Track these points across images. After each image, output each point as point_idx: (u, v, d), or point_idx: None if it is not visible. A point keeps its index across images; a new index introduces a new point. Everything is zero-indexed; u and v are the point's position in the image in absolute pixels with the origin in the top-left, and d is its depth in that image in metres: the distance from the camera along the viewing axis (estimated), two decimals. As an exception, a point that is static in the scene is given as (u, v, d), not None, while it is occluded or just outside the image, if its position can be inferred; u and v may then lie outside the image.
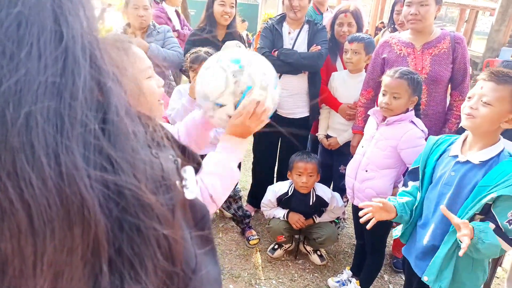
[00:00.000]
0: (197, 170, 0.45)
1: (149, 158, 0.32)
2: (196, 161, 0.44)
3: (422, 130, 1.93)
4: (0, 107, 0.25)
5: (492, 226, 1.36)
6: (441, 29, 2.29)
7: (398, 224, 1.85)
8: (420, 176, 1.67)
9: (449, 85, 2.26)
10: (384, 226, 2.15)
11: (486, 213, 1.40)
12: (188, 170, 0.39)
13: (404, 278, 2.48)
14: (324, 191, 2.52)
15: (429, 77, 2.14)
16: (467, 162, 1.48)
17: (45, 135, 0.26)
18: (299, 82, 2.66)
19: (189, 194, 0.37)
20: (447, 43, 2.17)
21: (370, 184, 2.02)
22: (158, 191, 0.32)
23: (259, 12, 11.77)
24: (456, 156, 1.53)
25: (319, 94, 2.70)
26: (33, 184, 0.25)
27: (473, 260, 1.47)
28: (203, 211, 0.41)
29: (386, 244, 2.31)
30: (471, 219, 1.42)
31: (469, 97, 1.47)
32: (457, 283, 1.50)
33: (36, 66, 0.27)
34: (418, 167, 1.69)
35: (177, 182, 0.35)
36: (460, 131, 1.89)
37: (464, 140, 1.54)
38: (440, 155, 1.60)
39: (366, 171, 2.03)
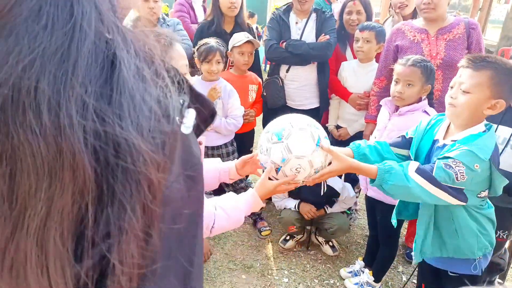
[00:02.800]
0: (207, 120, 0.49)
1: (151, 103, 0.35)
2: (209, 109, 0.48)
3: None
4: (18, 73, 0.30)
5: (413, 166, 1.35)
6: (455, 15, 2.25)
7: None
8: (413, 157, 1.63)
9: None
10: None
11: None
12: (191, 112, 0.42)
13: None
14: (335, 181, 2.51)
15: (444, 62, 2.11)
16: (444, 145, 1.46)
17: (48, 95, 0.31)
18: (308, 73, 2.65)
19: (185, 129, 0.40)
20: (461, 28, 2.14)
21: None
22: (154, 134, 0.35)
23: (268, 3, 11.69)
24: (438, 140, 1.51)
25: (328, 85, 2.68)
26: (36, 132, 0.30)
27: (456, 226, 1.46)
28: (198, 155, 0.44)
29: (400, 235, 2.29)
30: None
31: (451, 86, 1.44)
32: (446, 250, 1.50)
33: (49, 38, 0.32)
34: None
35: (177, 118, 0.39)
36: None
37: (449, 126, 1.51)
38: (433, 140, 1.58)
39: None
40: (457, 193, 1.33)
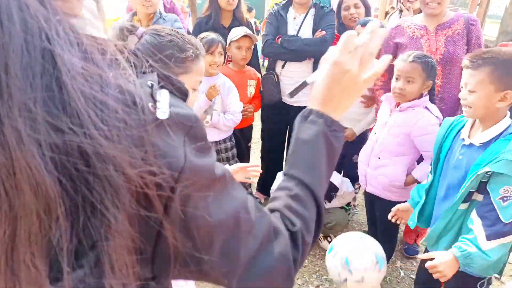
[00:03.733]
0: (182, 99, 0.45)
1: (111, 100, 0.33)
2: (181, 90, 0.44)
3: (436, 117, 1.90)
4: None
5: (481, 235, 1.31)
6: (454, 11, 2.24)
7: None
8: (433, 159, 1.64)
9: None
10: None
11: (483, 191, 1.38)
12: (163, 93, 0.39)
13: (415, 264, 2.48)
14: (334, 176, 2.50)
15: (444, 57, 2.10)
16: (471, 145, 1.46)
17: None
18: (304, 70, 2.63)
19: (161, 114, 0.37)
20: (461, 24, 2.13)
21: (383, 171, 2.00)
22: (124, 132, 0.33)
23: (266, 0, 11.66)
24: (463, 139, 1.50)
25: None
26: None
27: None
28: (190, 120, 0.41)
29: (398, 231, 2.30)
30: (468, 197, 1.41)
31: (461, 87, 1.45)
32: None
33: None
34: None
35: (150, 104, 0.36)
36: None
37: (474, 123, 1.51)
38: (454, 138, 1.57)
39: (379, 158, 2.01)
40: None
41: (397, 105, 1.97)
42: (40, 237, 0.30)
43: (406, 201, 2.05)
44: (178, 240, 0.39)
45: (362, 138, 2.50)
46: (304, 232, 0.51)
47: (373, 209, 2.21)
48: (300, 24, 2.59)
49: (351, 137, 2.58)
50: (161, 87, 0.41)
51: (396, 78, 1.89)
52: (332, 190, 2.52)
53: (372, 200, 2.19)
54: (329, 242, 2.57)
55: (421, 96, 1.92)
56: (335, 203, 2.56)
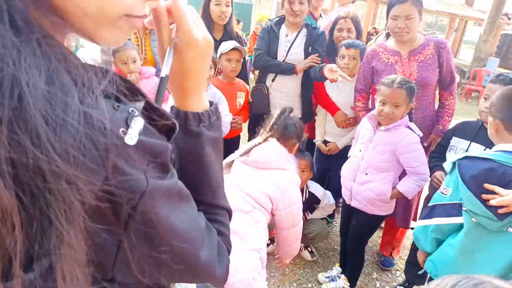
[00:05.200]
0: (170, 132, 0.49)
1: (74, 123, 0.35)
2: (167, 125, 0.48)
3: (417, 135, 2.02)
4: None
5: None
6: (424, 34, 2.38)
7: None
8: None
9: (436, 89, 2.36)
10: (373, 224, 2.24)
11: None
12: (138, 121, 0.41)
13: (390, 276, 2.58)
14: (317, 189, 2.60)
15: (417, 82, 2.22)
16: None
17: None
18: (292, 84, 2.72)
19: (128, 140, 0.40)
20: (431, 49, 2.26)
21: (370, 186, 2.09)
22: (83, 153, 0.36)
23: (253, 12, 11.87)
24: None
25: (316, 96, 2.77)
26: None
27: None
28: (161, 149, 0.44)
29: (368, 243, 2.39)
30: None
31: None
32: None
33: None
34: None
35: (121, 130, 0.39)
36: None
37: None
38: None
39: (366, 174, 2.10)
40: None
41: (380, 124, 2.08)
42: None
43: (385, 215, 2.17)
44: (137, 250, 0.43)
45: (344, 152, 2.61)
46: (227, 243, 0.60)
47: (349, 220, 2.30)
48: (292, 42, 2.69)
49: (335, 150, 2.70)
50: (145, 115, 0.44)
51: (383, 103, 2.00)
52: (314, 202, 2.61)
53: (350, 211, 2.27)
54: (310, 252, 2.66)
55: (402, 116, 2.04)
56: (317, 214, 2.65)
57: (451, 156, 2.04)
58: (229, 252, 0.59)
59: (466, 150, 1.95)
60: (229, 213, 0.63)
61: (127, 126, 0.40)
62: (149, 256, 0.45)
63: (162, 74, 0.54)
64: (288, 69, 2.65)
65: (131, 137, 0.40)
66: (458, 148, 2.01)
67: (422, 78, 2.24)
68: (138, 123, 0.41)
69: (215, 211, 0.60)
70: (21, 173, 0.33)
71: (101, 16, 0.44)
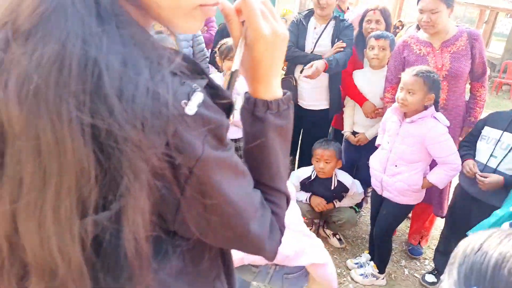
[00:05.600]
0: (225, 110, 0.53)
1: (141, 95, 0.42)
2: (226, 99, 0.53)
3: (445, 125, 2.05)
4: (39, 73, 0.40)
5: None
6: (457, 25, 2.38)
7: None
8: None
9: (468, 80, 2.37)
10: (403, 212, 2.29)
11: None
12: (197, 95, 0.46)
13: (418, 264, 2.62)
14: (345, 178, 2.66)
15: (449, 73, 2.24)
16: None
17: (53, 96, 0.40)
18: (321, 76, 2.76)
19: (188, 111, 0.45)
20: (464, 40, 2.26)
21: (401, 177, 2.13)
22: (149, 121, 0.42)
23: (276, 6, 11.90)
24: None
25: (344, 87, 2.82)
26: (49, 127, 0.40)
27: None
28: (217, 122, 0.48)
29: (397, 233, 2.43)
30: None
31: None
32: None
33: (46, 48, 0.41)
34: None
35: (183, 101, 0.44)
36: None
37: None
38: None
39: (396, 165, 2.15)
40: None
41: (405, 116, 2.12)
42: (75, 189, 0.41)
43: (414, 204, 2.21)
44: (192, 210, 0.49)
45: (373, 143, 2.65)
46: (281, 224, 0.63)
47: (379, 209, 2.34)
48: (320, 34, 2.75)
49: (364, 140, 2.74)
50: (207, 92, 0.49)
51: (400, 90, 2.05)
52: (343, 190, 2.68)
53: (379, 199, 2.32)
54: (338, 239, 2.73)
55: (425, 108, 2.06)
56: (345, 202, 2.71)
57: (482, 145, 2.06)
58: (281, 233, 0.62)
59: (499, 140, 1.97)
60: (287, 198, 0.65)
61: (188, 99, 0.45)
62: (202, 217, 0.50)
63: (233, 68, 0.58)
64: (315, 60, 2.70)
65: (191, 108, 0.45)
66: (490, 138, 2.03)
67: (454, 69, 2.26)
68: (198, 96, 0.46)
69: (272, 192, 0.62)
70: (98, 136, 0.40)
71: (176, 7, 0.49)
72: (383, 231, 2.33)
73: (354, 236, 2.88)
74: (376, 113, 2.67)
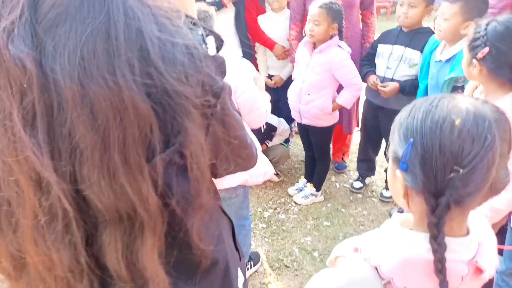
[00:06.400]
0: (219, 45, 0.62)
1: (179, 53, 0.50)
2: (219, 38, 0.61)
3: (347, 51, 2.34)
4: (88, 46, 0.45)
5: None
6: None
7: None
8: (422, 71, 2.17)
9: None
10: (327, 134, 2.61)
11: None
12: (210, 39, 0.56)
13: (345, 176, 3.04)
14: (271, 118, 2.88)
15: (344, 3, 2.50)
16: (440, 60, 1.95)
17: (106, 63, 0.45)
18: (225, 23, 2.80)
19: (211, 52, 0.55)
20: None
21: (314, 104, 2.40)
22: (190, 75, 0.50)
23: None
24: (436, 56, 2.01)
25: (251, 35, 2.94)
26: (106, 88, 0.45)
27: None
28: (223, 61, 0.59)
29: (330, 150, 2.80)
30: None
31: (437, 16, 1.91)
32: None
33: (94, 20, 0.46)
34: None
35: (203, 46, 0.54)
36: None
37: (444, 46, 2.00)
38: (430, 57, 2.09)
39: (309, 94, 2.41)
40: None
41: (314, 47, 2.36)
42: (140, 138, 0.47)
43: (333, 124, 2.53)
44: (220, 131, 0.58)
45: (288, 82, 2.89)
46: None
47: (308, 136, 2.65)
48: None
49: (280, 82, 2.97)
50: (207, 35, 0.61)
51: (308, 22, 2.27)
52: (272, 130, 2.92)
53: (305, 129, 2.62)
54: (276, 174, 3.01)
55: (331, 37, 2.33)
56: (276, 140, 2.97)
57: (379, 61, 2.41)
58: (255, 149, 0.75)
59: (391, 53, 2.33)
60: None
61: (205, 43, 0.56)
62: (225, 142, 0.60)
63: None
64: (215, 3, 2.65)
65: (212, 50, 0.56)
66: (384, 53, 2.39)
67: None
68: (211, 40, 0.57)
69: None
70: (153, 92, 0.47)
71: None
72: (321, 153, 2.66)
73: (288, 168, 3.20)
74: (287, 54, 2.88)
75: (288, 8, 2.81)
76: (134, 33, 0.46)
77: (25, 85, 0.43)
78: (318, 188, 2.74)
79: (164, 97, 0.48)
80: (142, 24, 0.47)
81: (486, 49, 1.30)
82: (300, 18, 2.70)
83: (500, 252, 1.41)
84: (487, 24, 1.32)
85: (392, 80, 2.34)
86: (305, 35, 2.68)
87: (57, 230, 0.47)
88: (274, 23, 2.87)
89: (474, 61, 1.34)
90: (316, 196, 2.75)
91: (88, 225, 0.50)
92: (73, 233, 0.48)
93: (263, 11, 2.97)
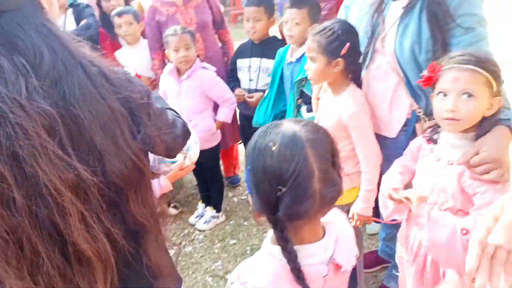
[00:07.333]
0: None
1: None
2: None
3: (213, 71, 2.39)
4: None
5: None
6: None
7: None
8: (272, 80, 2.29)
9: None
10: (215, 154, 2.62)
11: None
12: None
13: (241, 189, 3.09)
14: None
15: (198, 25, 2.55)
16: (291, 62, 2.08)
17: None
18: None
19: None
20: None
21: (198, 129, 2.36)
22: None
23: None
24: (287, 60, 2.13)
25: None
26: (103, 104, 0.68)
27: None
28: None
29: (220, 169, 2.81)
30: (298, 107, 1.98)
31: (285, 22, 2.04)
32: None
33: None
34: None
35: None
36: None
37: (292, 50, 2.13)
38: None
39: (190, 120, 2.37)
40: None
41: (180, 74, 2.35)
42: (123, 124, 0.68)
43: (219, 143, 2.54)
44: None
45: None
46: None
47: (197, 162, 2.60)
48: (63, 26, 2.61)
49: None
50: None
51: (176, 50, 2.26)
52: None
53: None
54: (174, 207, 2.90)
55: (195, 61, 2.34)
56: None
57: (241, 75, 2.52)
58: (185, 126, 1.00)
59: (250, 66, 2.45)
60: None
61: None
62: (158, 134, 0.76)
63: None
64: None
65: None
66: (243, 67, 2.50)
67: (200, 21, 2.57)
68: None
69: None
70: (123, 102, 0.70)
71: None
72: (212, 175, 2.64)
73: (185, 196, 3.12)
74: (154, 84, 2.81)
75: (143, 37, 2.76)
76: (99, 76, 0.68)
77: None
78: (218, 210, 2.73)
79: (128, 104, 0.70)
80: (105, 70, 0.70)
81: (347, 45, 1.45)
82: (159, 47, 2.65)
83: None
84: (333, 27, 1.47)
85: (256, 90, 2.47)
86: (168, 63, 2.66)
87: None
88: (132, 56, 2.77)
89: (339, 59, 1.47)
90: (217, 218, 2.72)
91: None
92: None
93: (118, 46, 2.86)
